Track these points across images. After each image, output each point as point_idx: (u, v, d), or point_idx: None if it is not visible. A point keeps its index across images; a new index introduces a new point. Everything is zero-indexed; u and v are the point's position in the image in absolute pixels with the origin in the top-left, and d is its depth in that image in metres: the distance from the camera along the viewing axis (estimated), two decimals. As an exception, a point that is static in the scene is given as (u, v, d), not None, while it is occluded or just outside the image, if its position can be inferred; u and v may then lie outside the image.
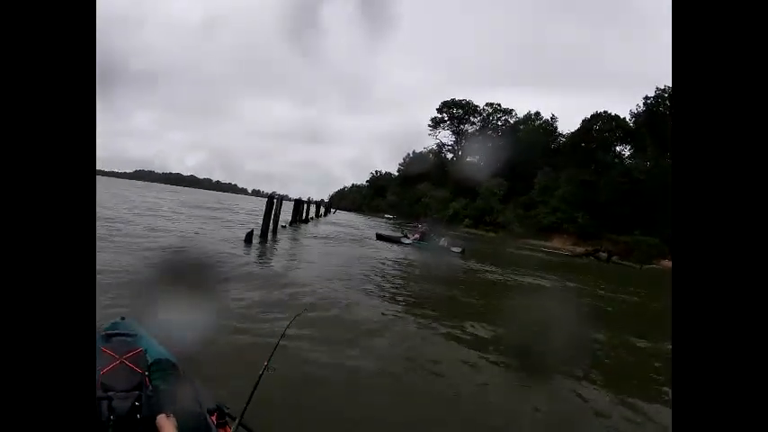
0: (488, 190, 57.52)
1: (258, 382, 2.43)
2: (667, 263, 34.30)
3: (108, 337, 2.89)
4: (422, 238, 23.62)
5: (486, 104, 78.59)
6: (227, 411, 2.41)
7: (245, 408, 2.30)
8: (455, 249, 22.65)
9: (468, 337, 6.90)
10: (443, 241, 23.31)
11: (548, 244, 44.19)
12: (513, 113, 74.45)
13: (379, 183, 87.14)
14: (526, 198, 53.94)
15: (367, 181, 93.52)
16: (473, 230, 52.86)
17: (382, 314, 8.04)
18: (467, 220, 58.47)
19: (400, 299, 9.73)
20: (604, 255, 35.81)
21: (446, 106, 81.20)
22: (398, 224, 38.46)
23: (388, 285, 11.11)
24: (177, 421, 1.97)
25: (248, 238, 15.03)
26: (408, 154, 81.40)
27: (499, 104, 77.61)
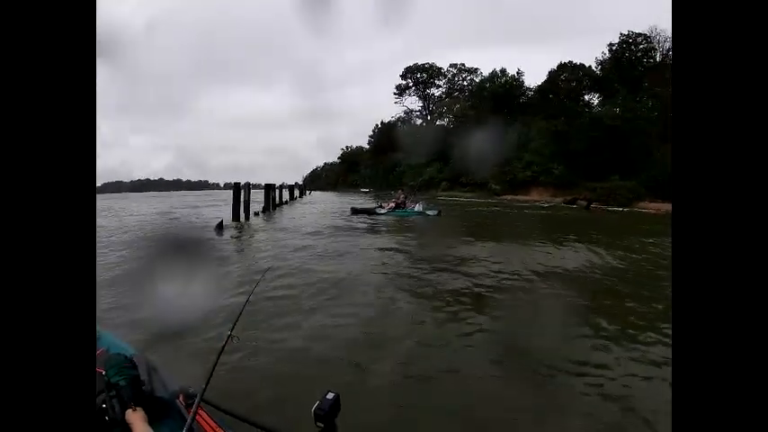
0: (460, 151, 57.28)
1: (221, 352, 2.34)
2: (647, 204, 34.78)
3: None
4: (397, 207, 23.02)
5: (450, 66, 78.57)
6: (191, 391, 2.27)
7: (207, 382, 2.16)
8: (430, 212, 22.56)
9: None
10: (419, 206, 22.92)
11: (526, 198, 44.70)
12: (479, 72, 74.42)
13: (351, 158, 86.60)
14: (499, 155, 53.79)
15: (338, 158, 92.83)
16: (450, 192, 53.25)
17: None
18: (443, 183, 58.60)
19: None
20: (584, 202, 36.06)
21: (409, 72, 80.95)
22: (375, 196, 37.94)
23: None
24: (144, 412, 1.98)
25: (219, 227, 14.96)
26: (377, 125, 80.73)
27: (463, 64, 77.43)
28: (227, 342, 2.41)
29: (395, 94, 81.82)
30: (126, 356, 2.37)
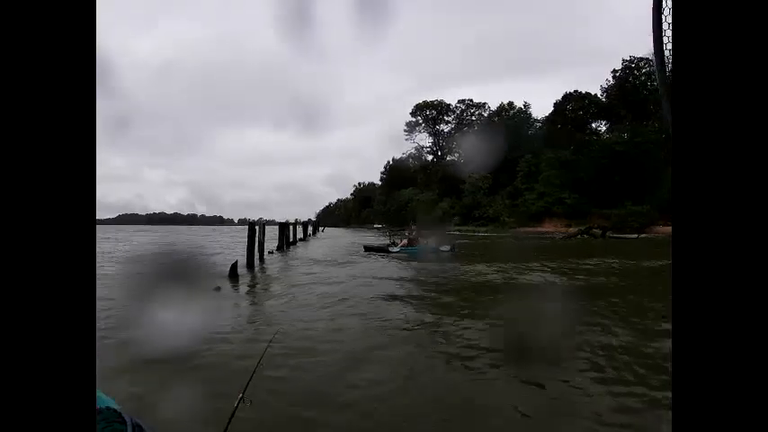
0: (473, 185, 57.48)
1: (232, 416, 2.15)
2: (661, 228, 34.33)
3: None
4: (410, 244, 23.01)
5: (459, 101, 79.58)
6: None
7: None
8: (444, 248, 22.37)
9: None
10: (431, 242, 22.71)
11: (539, 229, 44.06)
12: (486, 107, 75.29)
13: (364, 194, 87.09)
14: (511, 188, 53.83)
15: (351, 194, 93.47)
16: (463, 227, 52.83)
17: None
18: (456, 218, 58.33)
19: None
20: (598, 231, 35.75)
21: (419, 109, 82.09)
22: (387, 233, 37.97)
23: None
24: None
25: (233, 272, 13.53)
26: (388, 161, 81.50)
27: (471, 100, 78.48)
28: (238, 405, 2.27)
29: (405, 131, 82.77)
30: (117, 411, 2.27)
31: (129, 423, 2.06)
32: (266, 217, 18.91)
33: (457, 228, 52.61)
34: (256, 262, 17.08)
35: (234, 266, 13.83)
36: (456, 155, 74.79)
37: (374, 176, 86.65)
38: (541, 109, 66.68)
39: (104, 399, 2.42)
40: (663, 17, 1.22)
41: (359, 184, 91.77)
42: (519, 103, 65.54)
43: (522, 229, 45.56)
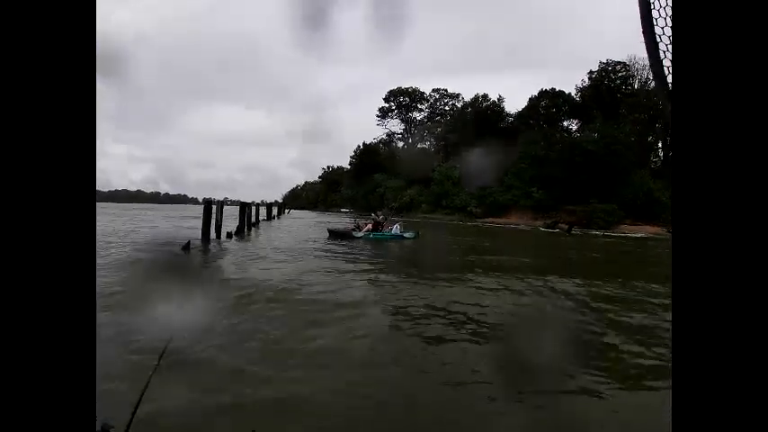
0: (442, 174, 57.49)
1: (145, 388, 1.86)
2: (627, 227, 35.03)
3: None
4: (374, 228, 22.40)
5: (433, 90, 79.44)
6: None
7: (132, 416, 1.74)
8: (408, 235, 22.12)
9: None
10: (396, 228, 22.30)
11: (506, 221, 44.90)
12: (460, 98, 75.25)
13: (333, 177, 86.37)
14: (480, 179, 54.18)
15: (319, 177, 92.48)
16: (430, 215, 53.18)
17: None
18: (424, 205, 58.56)
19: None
20: (565, 226, 36.10)
21: (393, 95, 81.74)
22: (355, 217, 37.40)
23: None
24: None
25: (186, 247, 13.29)
26: (359, 146, 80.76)
27: (446, 90, 78.30)
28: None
29: (377, 116, 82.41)
30: None
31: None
32: (232, 197, 17.89)
33: (424, 215, 52.68)
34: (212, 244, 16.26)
35: (186, 246, 13.43)
36: (427, 143, 74.90)
37: (343, 161, 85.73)
38: (516, 105, 67.20)
39: None
40: (654, 20, 1.18)
41: (327, 167, 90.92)
42: (494, 97, 65.42)
43: (489, 220, 46.15)
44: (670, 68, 1.15)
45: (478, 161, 44.44)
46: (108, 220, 27.10)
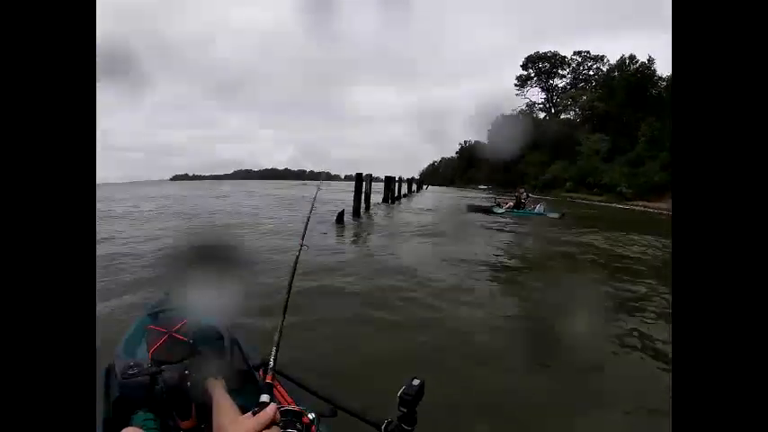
0: (589, 148, 53.45)
1: (285, 310, 2.48)
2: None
3: (155, 315, 3.13)
4: (516, 206, 22.20)
5: (575, 53, 73.80)
6: (270, 365, 2.35)
7: (276, 350, 2.32)
8: (552, 215, 21.34)
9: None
10: (540, 207, 21.83)
11: (659, 205, 39.43)
12: (605, 60, 68.91)
13: (469, 153, 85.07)
14: (633, 154, 48.94)
15: (456, 153, 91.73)
16: (575, 194, 49.83)
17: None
18: (568, 183, 55.03)
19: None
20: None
21: (531, 61, 77.69)
22: (493, 195, 36.98)
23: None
24: (225, 382, 2.02)
25: (340, 219, 14.73)
26: (497, 118, 78.50)
27: (588, 52, 72.32)
28: (288, 294, 2.55)
29: (516, 85, 78.84)
30: (215, 327, 2.49)
31: (227, 338, 2.44)
32: (372, 173, 18.94)
33: (568, 194, 49.88)
34: (362, 212, 17.72)
35: (341, 214, 14.96)
36: (571, 113, 70.36)
37: (480, 135, 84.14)
38: (668, 65, 58.56)
39: (208, 319, 2.63)
40: None
41: (464, 142, 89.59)
42: (642, 58, 57.86)
43: (641, 203, 41.52)
44: None
45: (628, 133, 40.15)
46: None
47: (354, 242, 11.99)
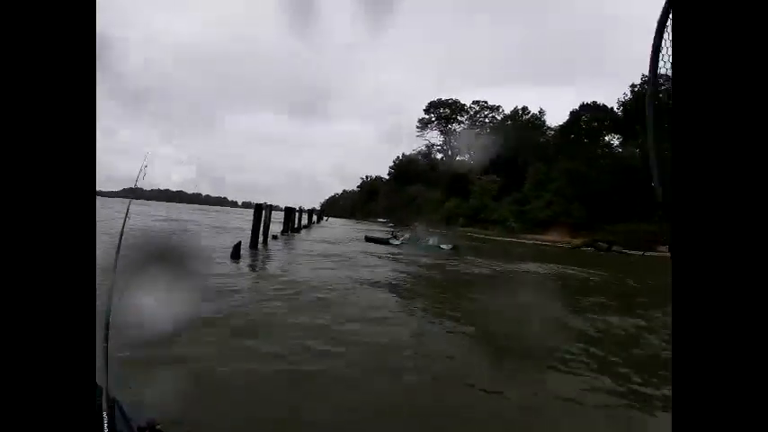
0: (481, 188, 57.31)
1: None
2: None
3: None
4: (411, 239, 22.87)
5: (473, 102, 79.35)
6: (158, 428, 2.08)
7: None
8: (445, 246, 22.28)
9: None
10: (433, 240, 22.61)
11: (544, 238, 43.86)
12: (501, 110, 74.95)
13: (371, 187, 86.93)
14: (519, 194, 53.60)
15: (358, 186, 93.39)
16: (468, 229, 52.66)
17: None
18: (461, 219, 58.17)
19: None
20: (604, 245, 35.43)
21: (433, 107, 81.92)
22: (392, 227, 37.92)
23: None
24: None
25: (236, 252, 13.46)
26: (398, 156, 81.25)
27: (486, 102, 78.13)
28: None
29: (417, 127, 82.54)
30: (100, 387, 2.16)
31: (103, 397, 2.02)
32: (270, 202, 18.29)
33: (461, 229, 52.41)
34: (260, 245, 16.81)
35: (237, 247, 13.67)
36: (466, 156, 74.75)
37: (382, 171, 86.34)
38: (555, 118, 65.97)
39: None
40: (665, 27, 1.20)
41: (366, 177, 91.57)
42: (534, 110, 64.95)
43: (527, 236, 45.38)
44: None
45: (517, 175, 44.08)
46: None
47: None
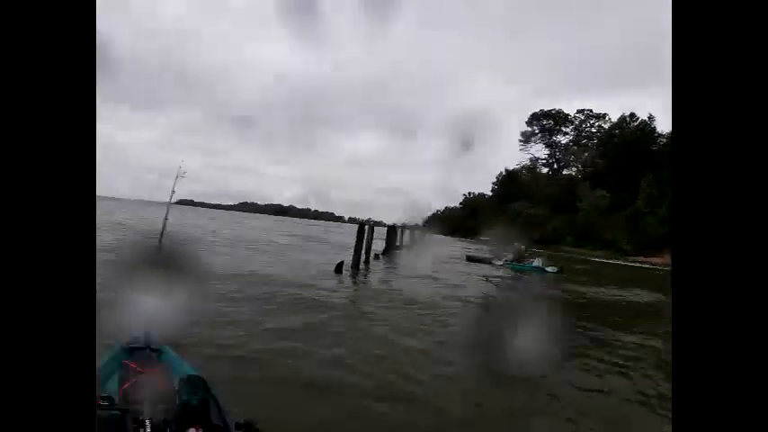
0: (589, 204, 54.04)
1: None
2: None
3: (132, 350, 3.03)
4: (515, 259, 22.52)
5: (578, 111, 75.00)
6: (256, 427, 2.29)
7: None
8: (550, 269, 21.42)
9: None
10: (538, 261, 22.07)
11: (658, 260, 39.40)
12: (607, 118, 70.05)
13: (473, 204, 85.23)
14: (631, 209, 49.77)
15: (460, 203, 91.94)
16: (575, 250, 49.50)
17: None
18: (568, 238, 55.03)
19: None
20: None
21: (535, 118, 78.80)
22: (494, 246, 37.18)
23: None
24: None
25: (338, 269, 14.05)
26: (500, 172, 79.25)
27: (590, 110, 73.64)
28: None
29: (520, 140, 79.27)
30: (201, 378, 2.43)
31: (209, 391, 2.34)
32: (374, 218, 18.48)
33: (568, 248, 49.57)
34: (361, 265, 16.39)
35: (339, 265, 14.20)
36: (573, 169, 71.31)
37: (484, 188, 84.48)
38: (667, 124, 59.83)
39: (184, 365, 3.14)
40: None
41: (468, 193, 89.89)
42: (643, 115, 59.39)
43: (641, 258, 41.53)
44: None
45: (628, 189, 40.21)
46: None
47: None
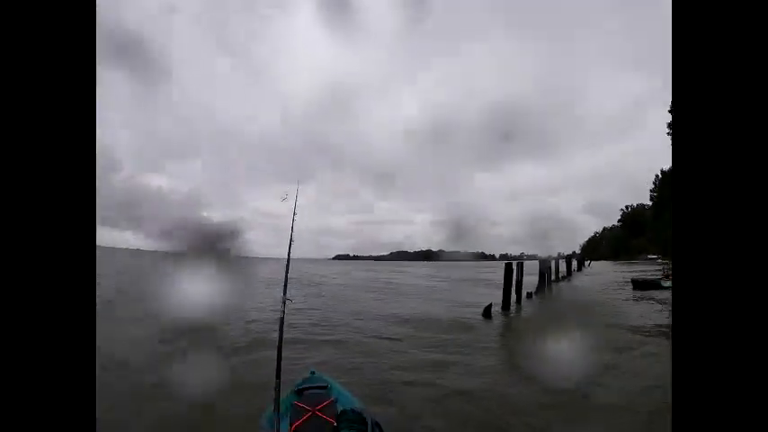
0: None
1: None
2: None
3: (300, 391, 3.23)
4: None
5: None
6: None
7: None
8: None
9: None
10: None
11: None
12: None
13: (633, 219, 76.79)
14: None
15: (618, 220, 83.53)
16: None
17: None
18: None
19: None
20: None
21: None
22: (663, 264, 33.06)
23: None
24: None
25: (487, 313, 13.40)
26: (656, 175, 70.76)
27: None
28: None
29: (668, 134, 71.18)
30: (360, 412, 2.44)
31: (369, 424, 2.42)
32: (526, 252, 17.37)
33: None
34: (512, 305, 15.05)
35: (488, 308, 13.49)
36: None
37: (643, 198, 75.78)
38: None
39: (349, 399, 3.28)
40: None
41: (626, 207, 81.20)
42: None
43: None
44: None
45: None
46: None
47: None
